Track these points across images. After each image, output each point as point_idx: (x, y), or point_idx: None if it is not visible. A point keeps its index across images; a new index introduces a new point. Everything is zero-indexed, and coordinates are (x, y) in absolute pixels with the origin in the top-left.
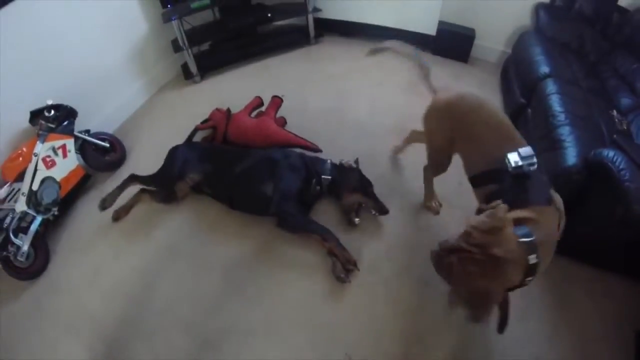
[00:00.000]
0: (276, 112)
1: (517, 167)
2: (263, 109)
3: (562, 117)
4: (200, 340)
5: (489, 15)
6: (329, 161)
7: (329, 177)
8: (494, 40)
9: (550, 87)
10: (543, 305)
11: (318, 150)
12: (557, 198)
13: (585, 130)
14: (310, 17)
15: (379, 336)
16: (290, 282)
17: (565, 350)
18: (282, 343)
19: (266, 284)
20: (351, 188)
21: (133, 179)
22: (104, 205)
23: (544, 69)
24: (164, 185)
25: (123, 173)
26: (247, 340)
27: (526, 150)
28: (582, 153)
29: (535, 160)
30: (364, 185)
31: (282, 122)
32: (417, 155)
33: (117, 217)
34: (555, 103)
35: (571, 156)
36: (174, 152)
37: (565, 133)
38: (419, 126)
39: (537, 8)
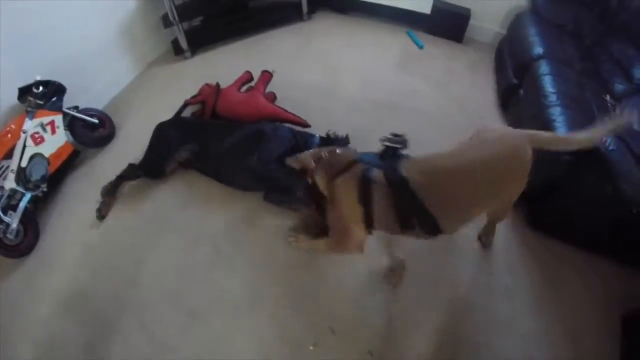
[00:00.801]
0: (265, 87)
1: None
2: (253, 84)
3: (553, 97)
4: (189, 313)
5: None
6: (317, 135)
7: None
8: (489, 21)
9: (544, 67)
10: (530, 285)
11: (307, 126)
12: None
13: (577, 112)
14: None
15: (364, 310)
16: (277, 252)
17: (551, 330)
18: (268, 313)
19: (253, 255)
20: None
21: (122, 178)
22: (101, 214)
23: (538, 49)
24: (153, 170)
25: (113, 148)
26: (235, 311)
27: None
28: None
29: None
30: None
31: (272, 97)
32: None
33: (106, 192)
34: (548, 84)
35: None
36: (159, 130)
37: (556, 113)
38: (410, 103)
39: None
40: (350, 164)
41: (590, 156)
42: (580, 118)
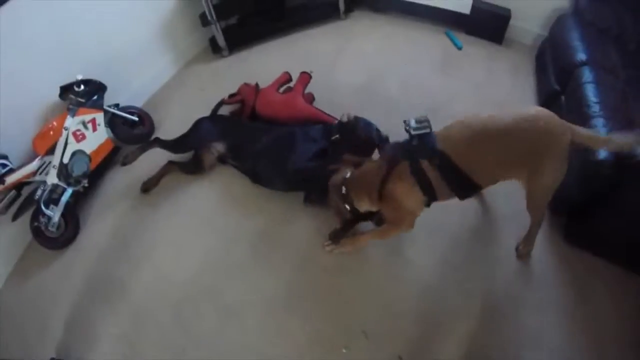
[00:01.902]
0: (304, 88)
1: None
2: (291, 84)
3: (596, 108)
4: (223, 310)
5: None
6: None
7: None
8: (530, 22)
9: (587, 75)
10: (563, 299)
11: None
12: None
13: (620, 123)
14: None
15: (397, 315)
16: (313, 254)
17: (580, 346)
18: (302, 314)
19: (290, 256)
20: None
21: (156, 142)
22: (125, 161)
23: (581, 55)
24: (184, 150)
25: None
26: (270, 310)
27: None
28: None
29: None
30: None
31: (310, 98)
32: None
33: (145, 188)
34: (591, 93)
35: (604, 150)
36: (199, 122)
37: (599, 125)
38: (451, 108)
39: None
40: (391, 166)
41: (632, 171)
42: (625, 130)
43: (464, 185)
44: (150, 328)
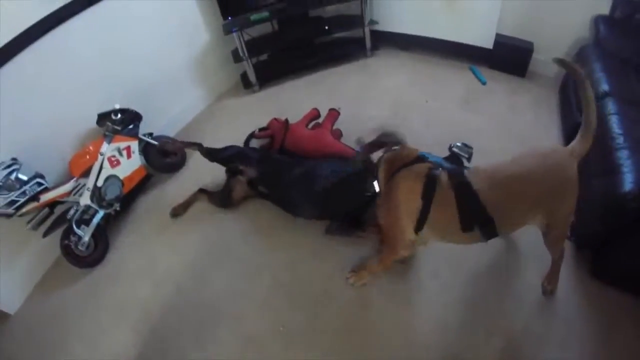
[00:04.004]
0: (333, 124)
1: None
2: (320, 120)
3: (620, 140)
4: (245, 338)
5: (548, 28)
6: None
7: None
8: (552, 54)
9: (610, 106)
10: (588, 337)
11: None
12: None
13: None
14: (367, 30)
15: (418, 352)
16: (336, 288)
17: None
18: (322, 348)
19: (312, 289)
20: None
21: (198, 145)
22: (174, 213)
23: (604, 86)
24: (221, 158)
25: (182, 174)
26: (290, 341)
27: None
28: None
29: None
30: None
31: (338, 134)
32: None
33: (175, 213)
34: (614, 124)
35: (628, 182)
36: (233, 145)
37: (624, 157)
38: (473, 143)
39: (597, 20)
40: (416, 160)
41: None
42: None
43: (475, 215)
44: (171, 352)
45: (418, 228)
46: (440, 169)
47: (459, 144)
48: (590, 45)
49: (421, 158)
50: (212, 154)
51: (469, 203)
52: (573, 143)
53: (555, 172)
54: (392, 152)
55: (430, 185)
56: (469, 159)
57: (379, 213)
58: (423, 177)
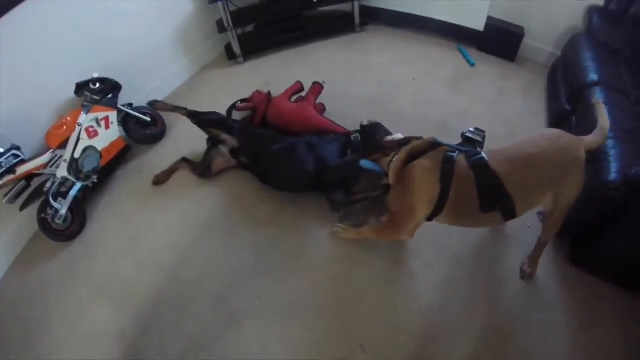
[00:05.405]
0: (316, 98)
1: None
2: (303, 94)
3: None
4: (226, 315)
5: (540, 14)
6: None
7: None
8: (543, 41)
9: (598, 96)
10: (566, 321)
11: None
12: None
13: (631, 145)
14: (356, 4)
15: (397, 330)
16: (320, 264)
17: None
18: (303, 324)
19: (295, 265)
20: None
21: (184, 110)
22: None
23: (593, 76)
24: (207, 121)
25: (163, 146)
26: (270, 319)
27: None
28: (624, 169)
29: None
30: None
31: (321, 108)
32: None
33: (157, 181)
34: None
35: (612, 171)
36: (218, 112)
37: (609, 146)
38: (462, 124)
39: (591, 11)
40: (432, 147)
41: None
42: (635, 152)
43: (496, 194)
44: (151, 329)
45: (437, 213)
46: (457, 152)
47: (471, 129)
48: (583, 34)
49: (435, 144)
50: (195, 116)
51: (490, 182)
52: (586, 137)
53: (566, 152)
54: (411, 144)
55: (448, 168)
56: (482, 144)
57: (391, 199)
58: (440, 161)
